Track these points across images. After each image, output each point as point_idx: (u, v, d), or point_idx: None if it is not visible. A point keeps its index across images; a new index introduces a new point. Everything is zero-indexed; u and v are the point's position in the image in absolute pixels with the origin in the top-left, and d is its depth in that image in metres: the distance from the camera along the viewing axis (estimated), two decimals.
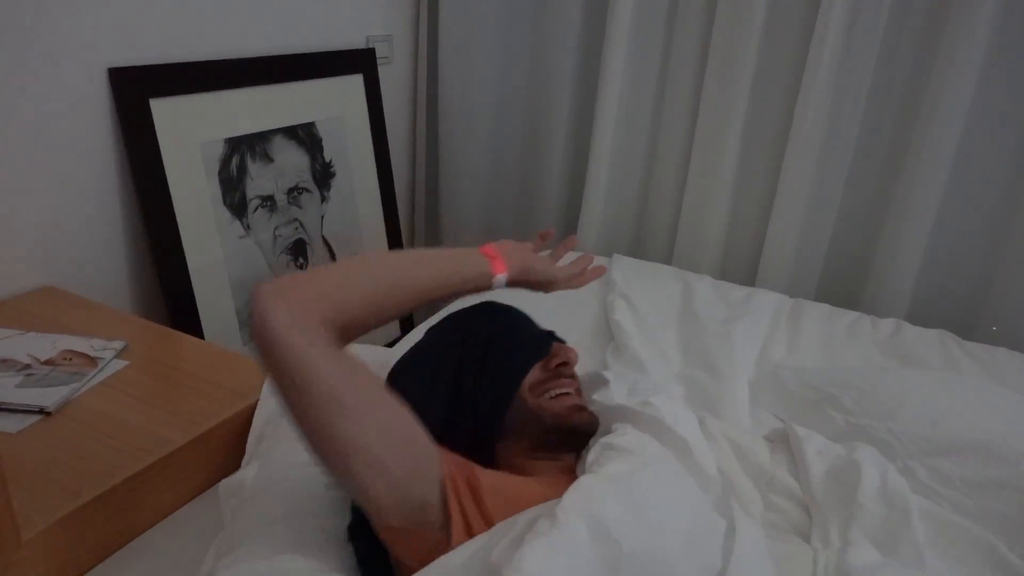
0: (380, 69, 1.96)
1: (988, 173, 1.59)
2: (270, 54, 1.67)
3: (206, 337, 1.52)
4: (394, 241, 2.05)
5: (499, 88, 2.08)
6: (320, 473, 0.73)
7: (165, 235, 1.45)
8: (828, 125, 1.67)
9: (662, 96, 1.90)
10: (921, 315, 1.68)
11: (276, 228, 1.71)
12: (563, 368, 0.89)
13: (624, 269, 1.68)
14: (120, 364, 1.12)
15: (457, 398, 0.87)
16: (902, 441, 1.02)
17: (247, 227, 1.63)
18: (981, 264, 1.65)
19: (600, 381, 0.97)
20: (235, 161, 1.59)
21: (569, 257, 1.01)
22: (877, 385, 1.16)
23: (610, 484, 0.71)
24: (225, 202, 1.57)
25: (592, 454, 0.80)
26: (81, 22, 1.31)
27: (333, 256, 1.87)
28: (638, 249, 2.04)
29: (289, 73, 1.71)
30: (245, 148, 1.61)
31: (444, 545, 0.70)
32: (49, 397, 1.01)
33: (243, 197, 1.61)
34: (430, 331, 0.97)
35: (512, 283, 0.85)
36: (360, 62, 1.91)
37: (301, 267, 1.78)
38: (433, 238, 2.32)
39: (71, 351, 1.13)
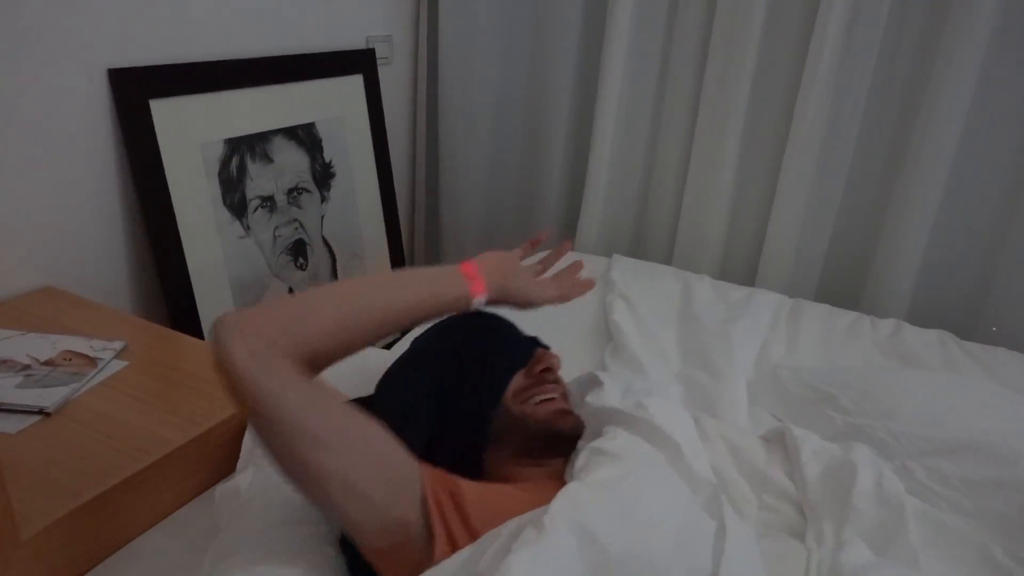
0: (380, 69, 1.96)
1: (988, 173, 1.59)
2: (270, 55, 1.67)
3: (206, 338, 1.52)
4: (394, 241, 2.05)
5: (499, 88, 2.08)
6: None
7: (165, 235, 1.45)
8: (828, 125, 1.67)
9: (662, 96, 1.90)
10: (921, 315, 1.68)
11: (276, 228, 1.71)
12: (546, 374, 0.89)
13: (623, 269, 1.68)
14: (120, 364, 1.13)
15: (442, 408, 0.87)
16: (900, 441, 1.02)
17: (247, 227, 1.63)
18: (981, 264, 1.65)
19: (594, 382, 0.97)
20: (235, 161, 1.59)
21: (570, 257, 1.01)
22: (876, 385, 1.15)
23: (597, 491, 0.71)
24: (225, 202, 1.57)
25: (581, 459, 0.80)
26: (81, 23, 1.32)
27: (333, 256, 1.87)
28: (638, 249, 2.04)
29: (289, 73, 1.71)
30: (245, 149, 1.61)
31: (428, 562, 0.70)
32: (49, 397, 1.01)
33: (243, 197, 1.62)
34: (415, 341, 0.97)
35: (492, 303, 0.85)
36: (360, 62, 1.91)
37: (301, 267, 1.78)
38: (433, 238, 2.32)
39: (71, 351, 1.13)
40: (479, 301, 0.82)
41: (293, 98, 1.72)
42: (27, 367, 1.08)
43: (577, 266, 0.96)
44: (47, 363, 1.09)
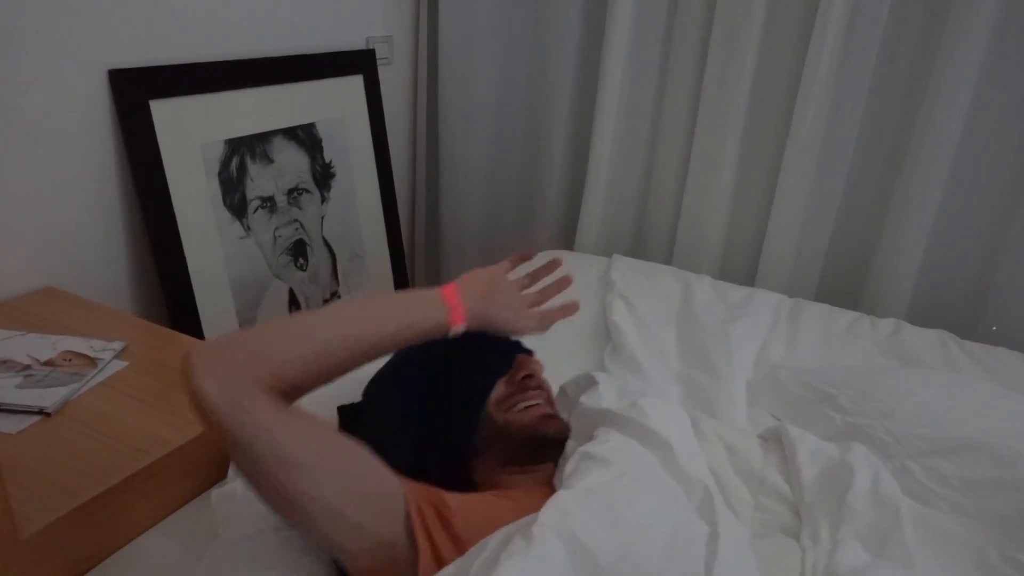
0: (380, 70, 1.96)
1: (988, 172, 1.59)
2: (270, 55, 1.67)
3: (206, 338, 1.52)
4: (394, 241, 2.05)
5: (499, 88, 2.08)
6: None
7: (165, 236, 1.45)
8: (828, 125, 1.66)
9: (662, 95, 1.90)
10: (921, 315, 1.68)
11: (276, 229, 1.71)
12: (528, 380, 0.88)
13: (623, 269, 1.68)
14: (120, 365, 1.13)
15: (426, 420, 0.86)
16: (900, 441, 1.02)
17: (247, 228, 1.63)
18: (981, 264, 1.65)
19: (589, 383, 0.96)
20: (235, 162, 1.59)
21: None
22: (875, 385, 1.15)
23: (586, 499, 0.70)
24: (225, 203, 1.58)
25: (571, 464, 0.79)
26: (81, 24, 1.32)
27: (333, 256, 1.87)
28: (638, 249, 2.04)
29: (289, 74, 1.71)
30: (245, 149, 1.61)
31: None
32: (48, 398, 1.01)
33: (243, 198, 1.62)
34: (397, 352, 0.95)
35: (472, 329, 0.83)
36: (360, 63, 1.91)
37: (302, 267, 1.78)
38: (433, 238, 2.32)
39: (71, 352, 1.13)
40: (457, 330, 0.81)
41: (293, 98, 1.72)
42: (27, 367, 1.08)
43: (565, 282, 0.93)
44: (47, 363, 1.10)
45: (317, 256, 1.83)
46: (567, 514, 0.67)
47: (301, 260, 1.78)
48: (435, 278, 2.36)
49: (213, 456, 1.01)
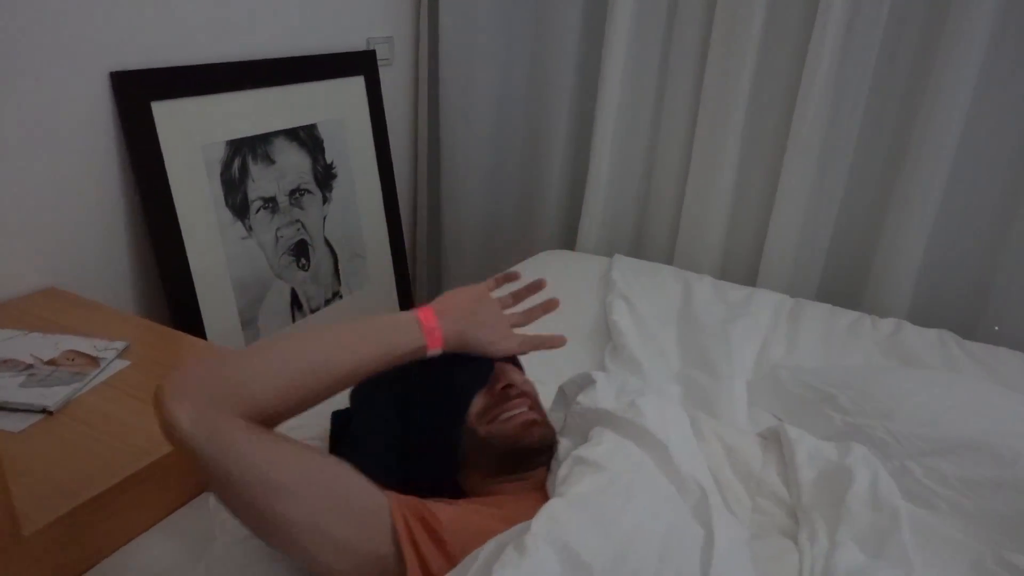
0: (381, 71, 1.97)
1: (989, 172, 1.59)
2: (271, 56, 1.68)
3: (208, 338, 1.53)
4: (396, 241, 2.06)
5: (500, 89, 2.09)
6: None
7: (167, 236, 1.46)
8: (828, 124, 1.67)
9: (662, 96, 1.90)
10: (922, 315, 1.68)
11: (278, 229, 1.72)
12: (508, 390, 0.86)
13: (624, 269, 1.68)
14: (122, 364, 1.13)
15: (407, 437, 0.85)
16: (900, 441, 1.02)
17: (249, 228, 1.64)
18: (982, 263, 1.65)
19: (587, 382, 0.95)
20: (237, 163, 1.60)
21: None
22: (875, 385, 1.15)
23: (578, 507, 0.69)
24: (227, 204, 1.58)
25: (564, 469, 0.78)
26: (83, 27, 1.32)
27: (335, 256, 1.88)
28: (639, 250, 2.04)
29: (290, 75, 1.72)
30: (247, 150, 1.62)
31: None
32: (51, 397, 1.02)
33: (245, 199, 1.62)
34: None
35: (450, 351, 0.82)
36: (361, 64, 1.91)
37: (303, 268, 1.79)
38: (435, 238, 2.32)
39: (73, 351, 1.14)
40: (435, 353, 0.80)
41: (295, 100, 1.73)
42: (30, 366, 1.09)
43: (551, 304, 0.92)
44: (50, 363, 1.10)
45: (319, 256, 1.83)
46: (559, 523, 0.66)
47: (303, 260, 1.79)
48: (436, 278, 2.37)
49: None
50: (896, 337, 1.46)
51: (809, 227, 1.76)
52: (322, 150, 1.81)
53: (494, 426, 0.84)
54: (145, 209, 1.43)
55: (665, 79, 1.88)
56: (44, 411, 1.00)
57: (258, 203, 1.66)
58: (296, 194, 1.75)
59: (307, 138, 1.77)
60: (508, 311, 0.90)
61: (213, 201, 1.55)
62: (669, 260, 1.94)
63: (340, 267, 1.90)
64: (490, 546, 0.67)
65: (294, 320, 1.77)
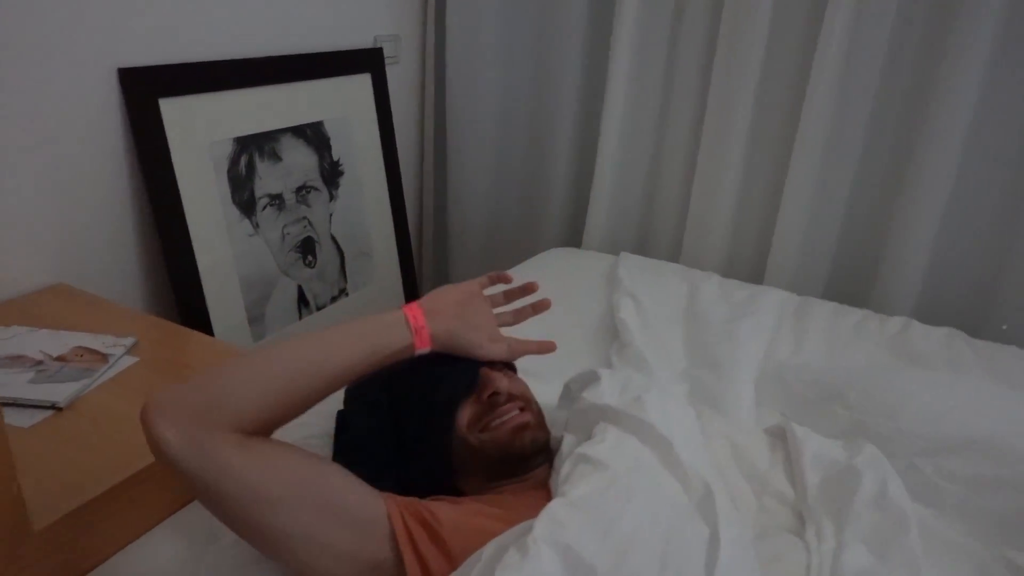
0: (388, 69, 1.97)
1: (996, 169, 1.58)
2: (278, 54, 1.68)
3: (215, 334, 1.53)
4: (402, 238, 2.06)
5: (506, 86, 2.09)
6: None
7: (175, 233, 1.46)
8: (834, 122, 1.66)
9: (668, 94, 1.90)
10: (929, 313, 1.67)
11: (284, 226, 1.72)
12: (495, 397, 0.84)
13: (631, 267, 1.68)
14: (130, 360, 1.14)
15: (402, 443, 0.85)
16: (906, 438, 1.02)
17: (256, 225, 1.64)
18: (989, 262, 1.64)
19: (592, 378, 0.94)
20: (244, 160, 1.60)
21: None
22: (881, 383, 1.15)
23: (580, 507, 0.69)
24: (234, 201, 1.59)
25: (566, 467, 0.78)
26: (91, 23, 1.33)
27: (342, 254, 1.88)
28: (644, 248, 2.04)
29: (297, 73, 1.72)
30: (253, 147, 1.62)
31: None
32: (60, 393, 1.02)
33: (252, 196, 1.63)
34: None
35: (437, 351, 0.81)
36: (368, 62, 1.92)
37: (310, 265, 1.79)
38: (441, 235, 2.33)
39: (82, 347, 1.14)
40: (423, 352, 0.80)
41: (301, 97, 1.73)
42: (39, 363, 1.09)
43: (542, 305, 0.91)
44: (59, 359, 1.11)
45: (325, 254, 1.84)
46: (561, 525, 0.66)
47: (309, 258, 1.79)
48: (442, 276, 2.37)
49: None
50: (903, 335, 1.45)
51: (815, 226, 1.75)
52: (328, 147, 1.81)
53: (486, 434, 0.83)
54: (153, 206, 1.44)
55: (671, 77, 1.88)
56: (53, 407, 1.00)
57: (265, 200, 1.66)
58: (303, 191, 1.76)
59: (314, 135, 1.77)
60: (498, 310, 0.89)
61: (220, 198, 1.55)
62: (675, 258, 1.94)
63: (346, 264, 1.90)
64: (492, 547, 0.67)
65: (301, 317, 1.77)
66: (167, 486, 0.95)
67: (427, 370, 0.84)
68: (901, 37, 1.59)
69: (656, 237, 2.02)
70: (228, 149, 1.57)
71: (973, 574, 0.81)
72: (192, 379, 0.73)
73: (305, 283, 1.78)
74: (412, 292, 2.11)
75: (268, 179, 1.66)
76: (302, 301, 1.78)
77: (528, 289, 0.93)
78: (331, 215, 1.84)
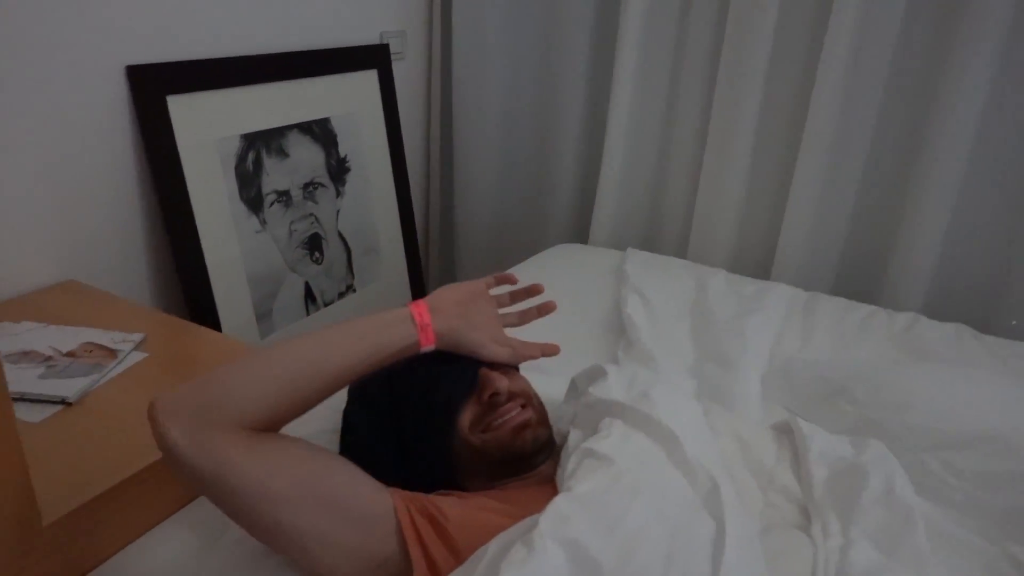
0: (394, 65, 1.97)
1: (1005, 165, 1.58)
2: (285, 50, 1.69)
3: (223, 330, 1.54)
4: (409, 234, 2.06)
5: (512, 84, 2.08)
6: None
7: (183, 230, 1.47)
8: (842, 118, 1.65)
9: (675, 89, 1.89)
10: (938, 309, 1.66)
11: (292, 223, 1.72)
12: (496, 398, 0.83)
13: (638, 263, 1.68)
14: (139, 356, 1.15)
15: (404, 443, 0.85)
16: (914, 434, 1.02)
17: (263, 222, 1.65)
18: (998, 257, 1.63)
19: (598, 373, 0.94)
20: (251, 157, 1.61)
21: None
22: (889, 378, 1.15)
23: (586, 502, 0.69)
24: (241, 197, 1.59)
25: (572, 462, 0.77)
26: (99, 21, 1.34)
27: (348, 250, 1.89)
28: (651, 244, 2.04)
29: (304, 69, 1.72)
30: (261, 144, 1.63)
31: None
32: (70, 388, 1.03)
33: (259, 192, 1.63)
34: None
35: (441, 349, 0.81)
36: (374, 58, 1.92)
37: (317, 261, 1.80)
38: (447, 231, 2.33)
39: (91, 343, 1.15)
40: (428, 349, 0.80)
41: (308, 93, 1.74)
42: (49, 358, 1.10)
43: (547, 307, 0.91)
44: (69, 354, 1.12)
45: (332, 250, 1.84)
46: (567, 520, 0.66)
47: (316, 254, 1.80)
48: (449, 272, 2.37)
49: None
50: (912, 331, 1.45)
51: (823, 221, 1.75)
52: (335, 144, 1.82)
53: (487, 434, 0.83)
54: (161, 202, 1.44)
55: (678, 73, 1.87)
56: (63, 402, 1.01)
57: (272, 196, 1.67)
58: (310, 188, 1.76)
59: (320, 132, 1.77)
60: (503, 311, 0.89)
61: (228, 195, 1.56)
62: (682, 254, 1.94)
63: (353, 261, 1.90)
64: (497, 542, 0.67)
65: (308, 313, 1.78)
66: (175, 482, 0.95)
67: (427, 370, 0.84)
68: (908, 33, 1.59)
69: (663, 233, 2.02)
70: (236, 146, 1.57)
71: (979, 571, 0.81)
72: (196, 379, 0.73)
73: (312, 279, 1.79)
74: (419, 288, 2.11)
75: (275, 176, 1.67)
76: (309, 297, 1.78)
77: (533, 291, 0.94)
78: (338, 211, 1.84)
